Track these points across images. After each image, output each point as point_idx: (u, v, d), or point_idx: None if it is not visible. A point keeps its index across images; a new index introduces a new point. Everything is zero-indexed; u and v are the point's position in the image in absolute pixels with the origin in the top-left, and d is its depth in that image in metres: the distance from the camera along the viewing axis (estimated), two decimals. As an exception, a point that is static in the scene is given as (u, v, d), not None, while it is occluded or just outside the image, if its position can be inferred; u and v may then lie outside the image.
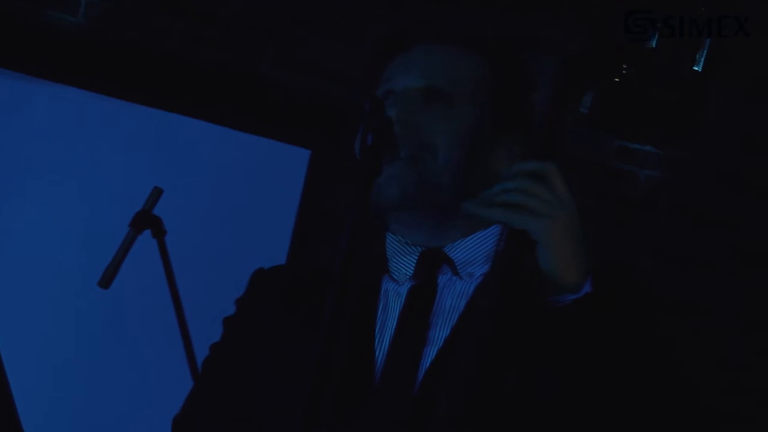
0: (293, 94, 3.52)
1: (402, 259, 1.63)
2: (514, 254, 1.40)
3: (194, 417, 1.67)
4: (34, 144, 3.56)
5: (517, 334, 1.44)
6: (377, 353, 1.56)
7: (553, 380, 1.41)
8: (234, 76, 3.52)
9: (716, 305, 3.52)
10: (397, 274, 1.63)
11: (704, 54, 1.52)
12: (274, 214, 3.55)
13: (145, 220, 2.81)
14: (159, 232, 2.83)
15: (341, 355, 1.50)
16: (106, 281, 2.74)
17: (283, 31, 3.55)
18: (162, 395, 1.83)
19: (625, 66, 1.50)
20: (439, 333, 1.56)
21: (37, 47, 3.49)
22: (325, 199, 3.46)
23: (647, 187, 3.57)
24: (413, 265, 1.62)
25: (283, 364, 1.58)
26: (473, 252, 1.62)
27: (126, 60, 3.50)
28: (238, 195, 3.57)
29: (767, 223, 3.55)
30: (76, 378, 3.46)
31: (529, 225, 1.39)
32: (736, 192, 3.56)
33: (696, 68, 1.53)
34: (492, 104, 1.65)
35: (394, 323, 1.58)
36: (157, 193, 2.84)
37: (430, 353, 1.54)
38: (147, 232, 2.83)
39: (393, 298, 1.61)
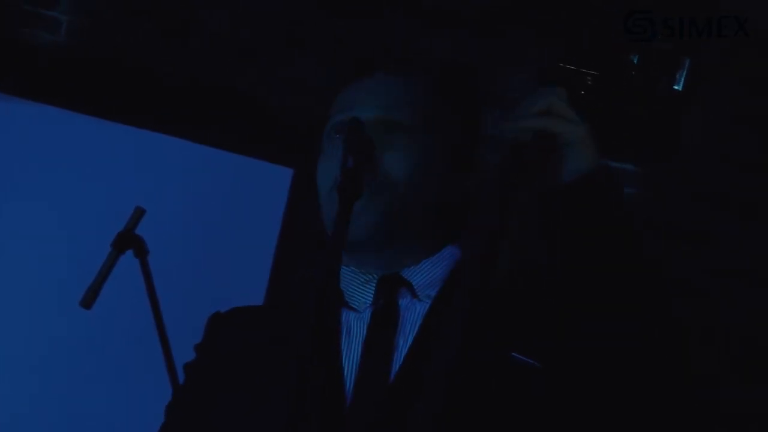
0: (275, 112, 3.52)
1: (361, 288, 1.63)
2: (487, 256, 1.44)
3: None
4: (15, 164, 3.55)
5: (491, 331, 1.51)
6: (346, 380, 1.56)
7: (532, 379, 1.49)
8: (216, 93, 3.52)
9: (691, 321, 3.51)
10: (356, 303, 1.63)
11: (684, 73, 1.53)
12: (257, 233, 3.54)
13: (128, 240, 2.81)
14: (141, 252, 2.82)
15: (317, 384, 1.51)
16: (88, 301, 2.73)
17: (266, 48, 3.55)
18: (144, 415, 1.82)
19: (589, 77, 1.52)
20: (403, 347, 1.57)
21: (17, 66, 3.48)
22: (308, 217, 3.45)
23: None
24: (372, 292, 1.62)
25: (249, 402, 1.57)
26: (430, 275, 1.63)
27: (107, 79, 3.50)
28: (220, 214, 3.56)
29: (742, 239, 3.56)
30: (57, 399, 3.44)
31: (565, 128, 1.50)
32: (711, 209, 3.57)
33: (676, 87, 1.54)
34: (448, 132, 1.66)
35: (360, 347, 1.58)
36: (139, 213, 2.83)
37: (397, 363, 1.55)
38: (129, 252, 2.82)
39: (355, 325, 1.61)
